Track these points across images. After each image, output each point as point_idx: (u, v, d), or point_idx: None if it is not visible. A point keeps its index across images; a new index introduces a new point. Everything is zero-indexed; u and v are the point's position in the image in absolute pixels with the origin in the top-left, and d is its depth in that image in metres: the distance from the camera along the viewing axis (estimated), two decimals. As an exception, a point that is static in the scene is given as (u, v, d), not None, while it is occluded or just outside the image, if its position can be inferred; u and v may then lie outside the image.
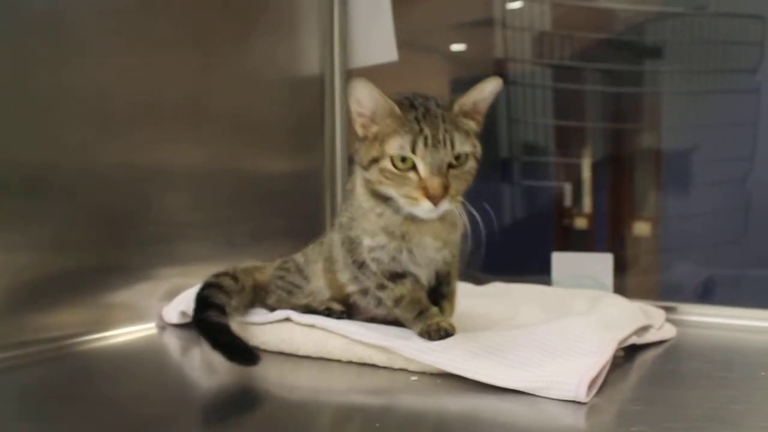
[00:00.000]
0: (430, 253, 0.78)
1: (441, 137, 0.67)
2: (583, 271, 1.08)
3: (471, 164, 0.71)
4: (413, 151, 0.68)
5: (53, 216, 0.94)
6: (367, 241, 0.80)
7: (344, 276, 0.87)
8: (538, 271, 1.19)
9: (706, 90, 1.21)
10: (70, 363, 0.89)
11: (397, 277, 0.80)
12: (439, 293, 0.83)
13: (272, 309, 0.95)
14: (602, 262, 1.07)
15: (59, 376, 0.84)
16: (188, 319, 1.04)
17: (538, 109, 1.40)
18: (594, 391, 0.67)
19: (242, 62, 1.22)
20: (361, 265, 0.82)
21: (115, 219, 1.01)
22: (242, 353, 0.77)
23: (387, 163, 0.69)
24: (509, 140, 1.41)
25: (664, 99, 1.28)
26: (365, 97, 0.70)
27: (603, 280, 1.06)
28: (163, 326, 1.06)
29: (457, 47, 1.48)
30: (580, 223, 1.33)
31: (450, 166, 0.69)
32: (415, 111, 0.69)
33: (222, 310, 0.86)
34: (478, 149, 0.72)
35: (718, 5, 1.20)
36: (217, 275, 0.95)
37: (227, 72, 1.19)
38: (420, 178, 0.68)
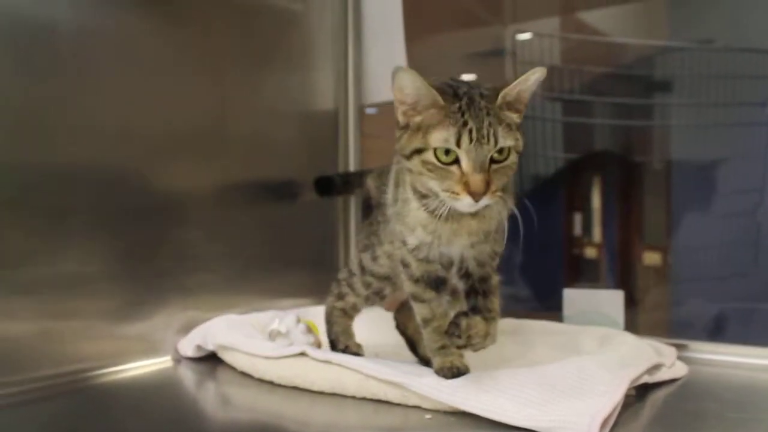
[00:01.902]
0: (464, 249, 0.78)
1: (485, 132, 0.66)
2: (595, 307, 1.08)
3: (512, 158, 0.69)
4: (458, 144, 0.66)
5: (72, 249, 0.96)
6: (410, 240, 0.79)
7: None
8: (548, 305, 1.19)
9: (715, 123, 1.22)
10: (85, 396, 0.91)
11: (432, 285, 0.81)
12: (477, 290, 0.80)
13: None
14: (613, 299, 1.07)
15: (75, 409, 0.85)
16: (204, 353, 1.06)
17: (548, 142, 1.42)
18: (606, 430, 0.67)
19: (258, 96, 1.25)
20: (405, 265, 0.83)
21: (131, 252, 1.03)
22: None
23: (430, 155, 0.68)
24: (519, 174, 1.43)
25: (673, 131, 1.29)
26: (408, 86, 0.68)
27: (614, 317, 1.06)
28: (179, 359, 1.07)
29: (467, 77, 1.50)
30: (590, 252, 1.34)
31: (492, 160, 0.67)
32: (459, 101, 0.68)
33: None
34: (520, 142, 0.70)
35: (726, 40, 1.21)
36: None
37: (243, 106, 1.22)
38: (462, 173, 0.67)
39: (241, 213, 1.20)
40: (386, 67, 1.08)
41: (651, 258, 1.27)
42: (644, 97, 1.30)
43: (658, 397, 0.82)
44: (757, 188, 1.15)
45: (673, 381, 0.88)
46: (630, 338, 0.91)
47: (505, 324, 1.07)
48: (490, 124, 0.66)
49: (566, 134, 1.39)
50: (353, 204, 1.42)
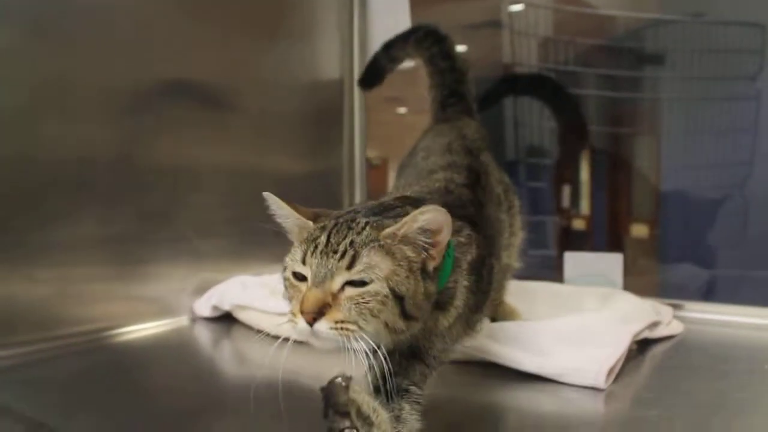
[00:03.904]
0: None
1: (340, 247, 0.52)
2: (595, 270, 1.13)
3: (377, 290, 0.52)
4: (303, 260, 0.54)
5: (92, 215, 0.99)
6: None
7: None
8: (543, 272, 1.22)
9: (705, 96, 1.22)
10: (106, 354, 0.95)
11: None
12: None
13: None
14: (613, 262, 1.12)
15: (97, 366, 0.89)
16: (219, 313, 1.09)
17: (542, 112, 1.43)
18: (612, 378, 0.72)
19: (265, 67, 1.27)
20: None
21: (148, 217, 1.06)
22: None
23: (288, 273, 0.57)
24: (515, 143, 1.45)
25: (663, 105, 1.29)
26: (275, 211, 0.59)
27: (613, 279, 1.11)
28: (194, 319, 1.11)
29: (459, 48, 1.51)
30: (578, 224, 1.35)
31: (350, 283, 0.52)
32: (327, 222, 0.56)
33: None
34: (411, 285, 0.53)
35: (717, 13, 1.21)
36: None
37: (251, 77, 1.24)
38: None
39: (251, 180, 1.23)
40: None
41: (639, 230, 1.28)
42: (635, 69, 1.30)
43: (656, 351, 0.87)
44: (746, 161, 1.17)
45: (670, 338, 0.93)
46: (630, 297, 0.96)
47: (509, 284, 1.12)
48: (351, 243, 0.52)
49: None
50: (357, 171, 1.46)
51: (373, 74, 1.09)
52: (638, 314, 0.88)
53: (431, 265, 0.55)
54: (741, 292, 1.17)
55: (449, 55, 1.01)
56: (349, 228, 0.54)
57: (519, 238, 0.89)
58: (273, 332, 0.95)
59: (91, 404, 0.73)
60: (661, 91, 1.28)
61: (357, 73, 1.43)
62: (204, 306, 1.09)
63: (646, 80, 1.29)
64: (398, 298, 0.52)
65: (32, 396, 0.75)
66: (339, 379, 0.49)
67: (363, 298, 0.51)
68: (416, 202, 0.56)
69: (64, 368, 0.87)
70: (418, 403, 0.57)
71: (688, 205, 1.24)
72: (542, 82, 1.38)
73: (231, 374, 0.91)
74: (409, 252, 0.53)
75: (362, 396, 0.50)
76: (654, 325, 0.89)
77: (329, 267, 0.52)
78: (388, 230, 0.53)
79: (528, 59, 1.44)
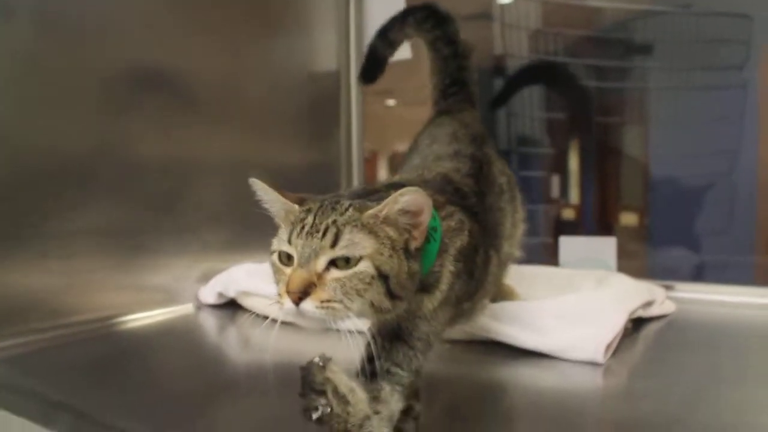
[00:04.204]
0: None
1: (323, 227, 0.53)
2: (589, 254, 1.16)
3: (363, 270, 0.52)
4: (289, 240, 0.55)
5: (100, 207, 1.01)
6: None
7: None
8: (537, 258, 1.24)
9: (693, 86, 1.24)
10: (115, 340, 0.97)
11: None
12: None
13: None
14: (607, 245, 1.15)
15: (107, 352, 0.91)
16: (224, 300, 1.12)
17: (534, 102, 1.45)
18: (609, 354, 0.76)
19: (263, 59, 1.29)
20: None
21: (153, 207, 1.09)
22: None
23: (275, 257, 0.57)
24: (507, 133, 1.47)
25: (651, 94, 1.30)
26: (261, 196, 0.60)
27: (607, 262, 1.14)
28: (199, 306, 1.13)
29: None
30: (568, 213, 1.37)
31: (333, 264, 0.52)
32: (313, 205, 0.57)
33: None
34: (394, 263, 0.53)
35: (705, 4, 1.22)
36: None
37: (249, 68, 1.26)
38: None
39: (252, 171, 1.25)
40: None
41: (628, 219, 1.30)
42: (624, 60, 1.32)
43: (650, 329, 0.91)
44: (733, 150, 1.19)
45: (663, 317, 0.96)
46: (625, 278, 0.99)
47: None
48: (334, 221, 0.53)
49: (548, 95, 1.43)
50: (355, 162, 1.48)
51: (373, 66, 1.04)
52: (633, 294, 0.91)
53: (413, 245, 0.55)
54: (727, 273, 1.19)
55: (452, 40, 0.97)
56: (333, 209, 0.55)
57: (521, 228, 0.90)
58: (279, 318, 0.99)
59: (106, 387, 0.75)
60: (650, 81, 1.29)
61: (354, 65, 1.45)
62: (209, 293, 1.11)
63: (634, 70, 1.31)
64: (383, 277, 0.53)
65: (51, 380, 0.77)
66: (317, 359, 0.50)
67: (349, 279, 0.52)
68: (400, 188, 0.56)
69: (77, 354, 0.89)
70: (401, 384, 0.56)
71: (677, 193, 1.26)
72: (554, 72, 1.39)
73: (238, 358, 0.93)
74: (391, 232, 0.54)
75: (339, 376, 0.51)
76: (648, 304, 0.92)
77: (313, 247, 0.52)
78: (370, 211, 0.54)
79: (519, 51, 1.45)
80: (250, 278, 1.07)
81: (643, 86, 1.30)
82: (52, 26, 0.94)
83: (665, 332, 0.90)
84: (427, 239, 0.57)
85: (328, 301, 0.51)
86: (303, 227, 0.54)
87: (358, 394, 0.51)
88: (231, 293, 1.09)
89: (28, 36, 0.92)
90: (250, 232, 1.23)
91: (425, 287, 0.59)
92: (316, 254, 0.52)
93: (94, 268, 1.00)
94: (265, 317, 1.00)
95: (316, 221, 0.54)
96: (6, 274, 0.90)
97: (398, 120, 1.56)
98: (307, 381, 0.49)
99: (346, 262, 0.52)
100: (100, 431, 0.60)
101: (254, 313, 1.06)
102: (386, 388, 0.55)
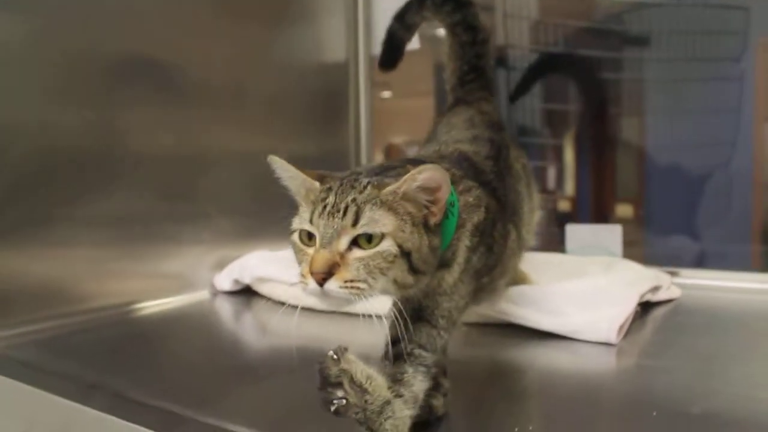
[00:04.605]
0: None
1: (343, 206, 0.53)
2: (595, 241, 1.19)
3: (386, 249, 0.52)
4: (311, 220, 0.55)
5: (118, 196, 1.03)
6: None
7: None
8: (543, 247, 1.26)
9: (690, 77, 1.25)
10: (135, 325, 1.00)
11: None
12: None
13: None
14: (613, 233, 1.18)
15: (129, 336, 0.94)
16: (240, 286, 1.14)
17: (534, 94, 1.46)
18: (622, 335, 0.79)
19: (273, 49, 1.31)
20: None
21: (169, 197, 1.11)
22: None
23: (296, 237, 0.57)
24: (508, 123, 1.49)
25: (648, 85, 1.31)
26: (281, 174, 0.60)
27: (613, 249, 1.17)
28: (215, 293, 1.16)
29: (443, 31, 1.51)
30: (564, 205, 1.38)
31: (356, 244, 0.53)
32: (333, 183, 0.56)
33: None
34: (416, 239, 0.54)
35: None
36: None
37: (261, 60, 1.28)
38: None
39: (264, 161, 1.27)
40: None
41: (624, 210, 1.32)
42: (620, 51, 1.32)
43: (658, 313, 0.94)
44: (730, 141, 1.21)
45: (669, 301, 0.99)
46: (633, 264, 1.03)
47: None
48: (354, 200, 0.53)
49: (547, 86, 1.43)
50: (364, 152, 1.50)
51: (393, 51, 1.03)
52: (642, 278, 0.94)
53: (433, 221, 0.55)
54: (725, 262, 1.21)
55: (472, 25, 0.95)
56: (352, 187, 0.55)
57: (536, 215, 0.91)
58: (295, 303, 1.01)
59: (132, 368, 0.77)
60: (646, 72, 1.30)
61: (363, 55, 1.47)
62: (225, 280, 1.14)
63: (631, 61, 1.32)
64: (405, 254, 0.53)
65: (79, 361, 0.79)
66: (331, 352, 0.50)
67: (372, 258, 0.52)
68: (418, 163, 0.56)
69: (100, 338, 0.92)
70: (424, 365, 0.56)
71: (674, 184, 1.28)
72: (572, 63, 1.40)
73: (254, 342, 0.96)
74: (410, 208, 0.54)
75: (355, 365, 0.51)
76: (655, 289, 0.95)
77: (335, 227, 0.52)
78: (388, 188, 0.54)
79: (520, 41, 1.46)
80: (266, 265, 1.09)
81: (640, 77, 1.31)
82: (67, 16, 0.96)
83: (672, 316, 0.93)
84: (446, 214, 0.57)
85: (352, 280, 0.52)
86: (324, 207, 0.54)
87: (376, 381, 0.51)
88: (246, 279, 1.11)
89: (48, 27, 0.93)
90: (262, 220, 1.25)
91: (444, 262, 0.59)
92: (338, 234, 0.52)
93: (114, 256, 1.03)
94: (281, 303, 1.04)
95: (337, 200, 0.54)
96: (31, 261, 0.92)
97: (394, 112, 1.58)
98: (323, 375, 0.50)
99: (368, 240, 0.53)
100: (136, 408, 0.62)
101: (270, 299, 1.09)
102: (409, 371, 0.55)
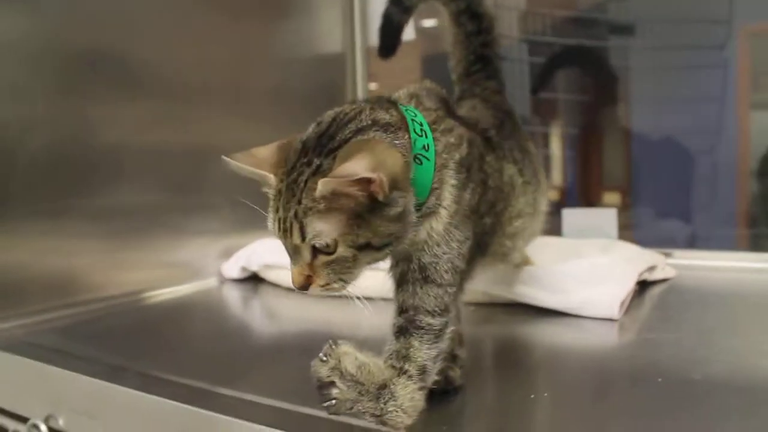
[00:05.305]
0: None
1: (289, 224, 0.51)
2: (591, 225, 1.22)
3: (342, 253, 0.50)
4: (276, 233, 0.54)
5: (129, 189, 1.06)
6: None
7: None
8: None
9: (675, 66, 1.27)
10: (147, 312, 1.02)
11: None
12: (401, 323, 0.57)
13: None
14: (608, 216, 1.22)
15: (143, 322, 0.97)
16: (247, 274, 1.16)
17: (523, 83, 1.46)
18: (623, 310, 0.82)
19: (272, 42, 1.33)
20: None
21: (176, 189, 1.13)
22: None
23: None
24: None
25: (633, 74, 1.34)
26: (239, 173, 0.57)
27: (609, 232, 1.21)
28: (222, 281, 1.18)
29: (429, 23, 1.49)
30: (550, 195, 1.35)
31: (318, 251, 0.51)
32: (282, 183, 0.53)
33: None
34: (368, 229, 0.50)
35: None
36: None
37: (260, 53, 1.30)
38: None
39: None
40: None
41: (611, 198, 1.35)
42: (606, 40, 1.34)
43: (654, 292, 0.98)
44: (714, 129, 1.24)
45: (664, 280, 1.03)
46: (629, 245, 1.06)
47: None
48: (295, 214, 0.50)
49: (532, 74, 1.44)
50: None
51: (390, 37, 0.95)
52: (639, 257, 0.98)
53: (381, 195, 0.49)
54: (712, 245, 1.25)
55: (477, 13, 0.90)
56: (293, 194, 0.51)
57: (545, 204, 0.85)
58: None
59: (149, 351, 0.80)
60: (631, 61, 1.33)
61: (360, 47, 1.49)
62: (232, 268, 1.16)
63: (616, 50, 1.34)
64: (364, 246, 0.50)
65: (98, 346, 0.82)
66: (321, 354, 0.51)
67: (335, 263, 0.51)
68: (388, 126, 0.52)
69: (113, 325, 0.94)
70: (432, 332, 0.54)
71: (659, 171, 1.31)
72: (586, 56, 1.40)
73: (263, 328, 0.99)
74: (347, 202, 0.49)
75: (346, 358, 0.50)
76: (652, 268, 0.99)
77: (291, 246, 0.51)
78: (319, 189, 0.48)
79: (509, 30, 1.48)
80: (273, 252, 1.12)
81: (625, 65, 1.34)
82: (77, 13, 0.98)
83: (668, 294, 0.97)
84: (419, 160, 0.54)
85: (327, 284, 0.52)
86: (278, 220, 0.52)
87: (368, 368, 0.51)
88: (254, 267, 1.14)
89: (51, 25, 0.96)
90: (266, 210, 1.27)
91: (429, 210, 0.55)
92: (299, 250, 0.51)
93: (124, 247, 1.05)
94: (288, 289, 1.06)
95: (283, 214, 0.51)
96: (45, 252, 0.95)
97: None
98: (316, 377, 0.50)
99: (326, 246, 0.50)
100: (165, 385, 0.64)
101: (277, 285, 1.11)
102: (415, 344, 0.53)
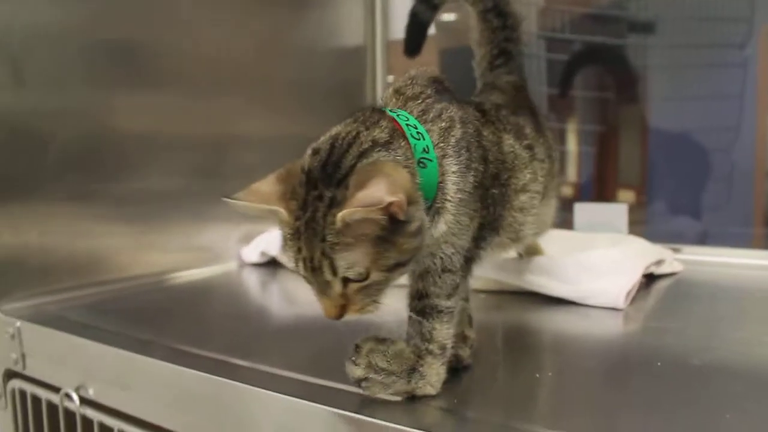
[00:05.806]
0: None
1: (317, 262, 0.50)
2: (602, 219, 1.24)
3: (375, 279, 0.51)
4: (297, 269, 0.53)
5: (154, 174, 1.10)
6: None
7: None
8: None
9: (695, 64, 1.28)
10: (168, 293, 1.07)
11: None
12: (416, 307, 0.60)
13: None
14: (619, 211, 1.24)
15: (166, 301, 1.02)
16: (266, 259, 1.20)
17: (540, 79, 1.46)
18: (629, 301, 0.85)
19: (294, 34, 1.37)
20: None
21: (200, 176, 1.17)
22: None
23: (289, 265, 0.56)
24: None
25: (652, 71, 1.34)
26: (244, 213, 0.57)
27: (619, 227, 1.23)
28: (242, 265, 1.22)
29: (447, 17, 1.51)
30: (565, 191, 1.40)
31: (349, 280, 0.51)
32: (298, 221, 0.51)
33: None
34: (394, 249, 0.50)
35: None
36: None
37: (283, 45, 1.34)
38: None
39: (287, 143, 1.32)
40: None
41: (626, 196, 1.35)
42: (625, 37, 1.34)
43: (661, 285, 1.00)
44: (733, 127, 1.24)
45: (671, 274, 1.05)
46: (638, 239, 1.08)
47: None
48: (323, 253, 0.50)
49: (550, 70, 1.44)
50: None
51: (416, 34, 0.96)
52: (647, 251, 1.01)
53: (401, 215, 0.49)
54: (727, 243, 1.26)
55: (504, 12, 0.90)
56: (314, 232, 0.50)
57: (555, 190, 0.85)
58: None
59: (174, 327, 0.85)
60: (650, 59, 1.33)
61: (380, 40, 1.52)
62: (252, 252, 1.20)
63: (635, 48, 1.34)
64: (393, 267, 0.51)
65: (125, 322, 0.86)
66: (351, 357, 0.55)
67: (367, 288, 0.52)
68: (387, 144, 0.53)
69: (139, 303, 0.99)
70: (449, 313, 0.57)
71: (677, 169, 1.32)
72: (608, 54, 1.40)
73: (281, 311, 1.02)
74: (371, 229, 0.49)
75: (376, 354, 0.55)
76: (659, 262, 1.02)
77: (323, 279, 0.51)
78: (338, 223, 0.48)
79: (528, 26, 1.47)
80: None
81: (644, 63, 1.34)
82: (114, 4, 1.02)
83: (674, 287, 1.00)
84: (423, 164, 0.54)
85: (362, 308, 0.53)
86: (304, 260, 0.51)
87: (397, 356, 0.55)
88: (273, 252, 1.18)
89: (86, 16, 1.00)
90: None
91: (436, 210, 0.56)
92: (329, 284, 0.51)
93: (149, 230, 1.10)
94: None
95: (307, 254, 0.51)
96: (76, 234, 0.99)
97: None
98: (352, 378, 0.55)
99: (360, 273, 0.51)
100: (192, 358, 0.68)
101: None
102: (436, 326, 0.57)
